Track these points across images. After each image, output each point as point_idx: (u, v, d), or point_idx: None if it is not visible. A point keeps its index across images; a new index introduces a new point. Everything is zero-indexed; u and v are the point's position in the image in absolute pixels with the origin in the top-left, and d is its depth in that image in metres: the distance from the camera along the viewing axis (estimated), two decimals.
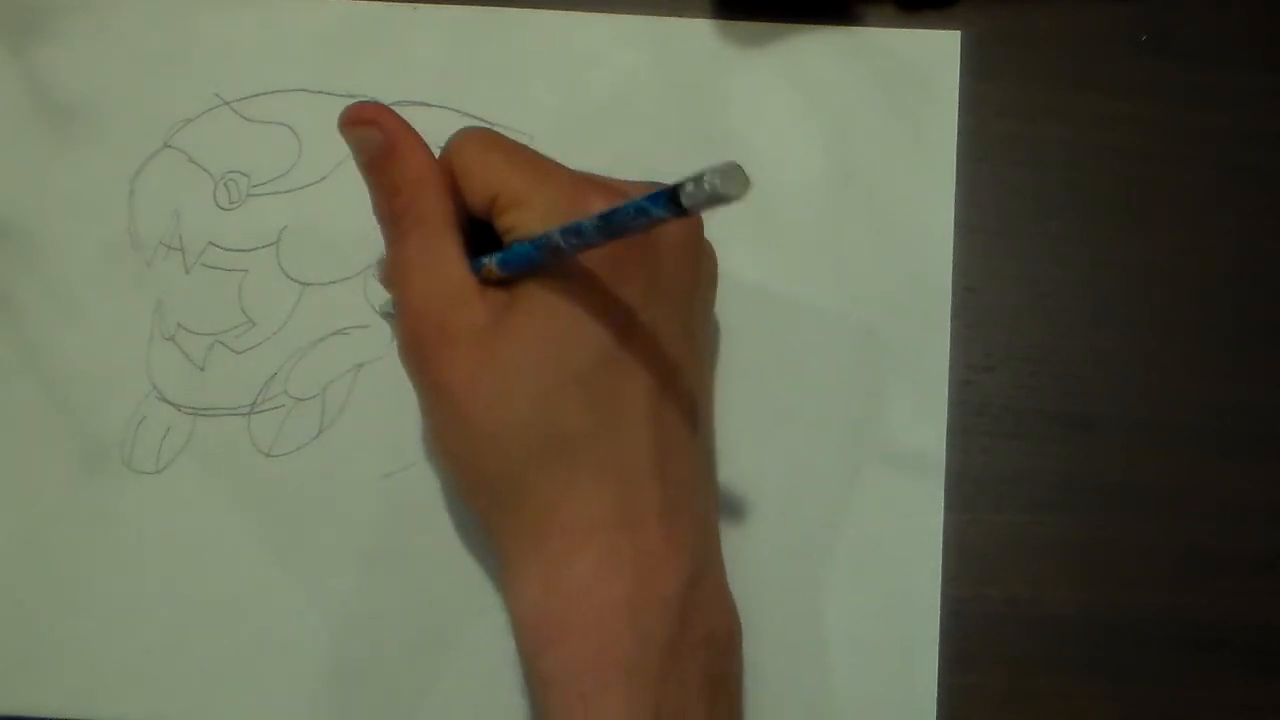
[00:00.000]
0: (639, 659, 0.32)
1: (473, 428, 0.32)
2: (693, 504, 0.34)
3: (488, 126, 0.41)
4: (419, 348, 0.33)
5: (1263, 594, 0.39)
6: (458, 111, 0.41)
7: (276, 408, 0.40)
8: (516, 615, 0.33)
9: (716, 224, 0.41)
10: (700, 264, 0.35)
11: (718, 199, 0.27)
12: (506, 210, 0.33)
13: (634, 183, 0.34)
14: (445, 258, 0.33)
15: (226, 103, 0.41)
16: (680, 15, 0.42)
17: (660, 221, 0.29)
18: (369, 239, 0.41)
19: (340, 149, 0.41)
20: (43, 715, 0.38)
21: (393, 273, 0.34)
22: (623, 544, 0.32)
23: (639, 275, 0.32)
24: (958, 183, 0.41)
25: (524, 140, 0.41)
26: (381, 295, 0.40)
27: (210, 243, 0.41)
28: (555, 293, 0.32)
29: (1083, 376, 0.40)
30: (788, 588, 0.39)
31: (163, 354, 0.40)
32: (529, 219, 0.32)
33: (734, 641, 0.35)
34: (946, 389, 0.40)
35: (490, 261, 0.32)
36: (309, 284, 0.41)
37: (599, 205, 0.31)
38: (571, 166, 0.36)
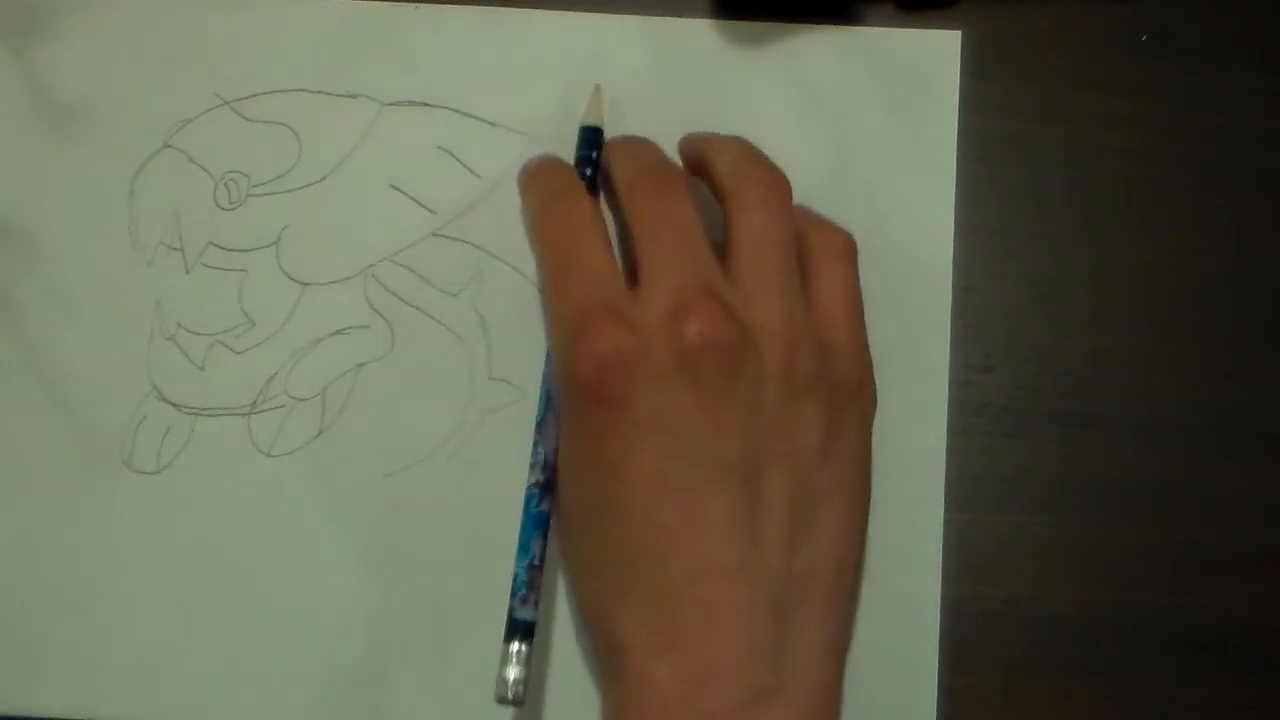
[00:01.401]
0: None
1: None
2: (750, 631, 0.33)
3: (488, 126, 0.41)
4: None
5: (1263, 594, 0.39)
6: (458, 111, 0.41)
7: (276, 408, 0.40)
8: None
9: (716, 224, 0.41)
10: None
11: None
12: None
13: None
14: None
15: (226, 102, 0.41)
16: (680, 15, 0.42)
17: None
18: (369, 239, 0.41)
19: (340, 148, 0.41)
20: (43, 715, 0.38)
21: None
22: (657, 667, 0.32)
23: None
24: (958, 183, 0.41)
25: (523, 140, 0.41)
26: (381, 295, 0.40)
27: (210, 243, 0.41)
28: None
29: (1083, 376, 0.40)
30: None
31: (163, 354, 0.40)
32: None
33: None
34: (946, 389, 0.40)
35: None
36: (309, 284, 0.41)
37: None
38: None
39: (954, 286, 0.41)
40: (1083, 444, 0.40)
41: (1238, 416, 0.40)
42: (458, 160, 0.41)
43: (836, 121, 0.42)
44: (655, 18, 0.42)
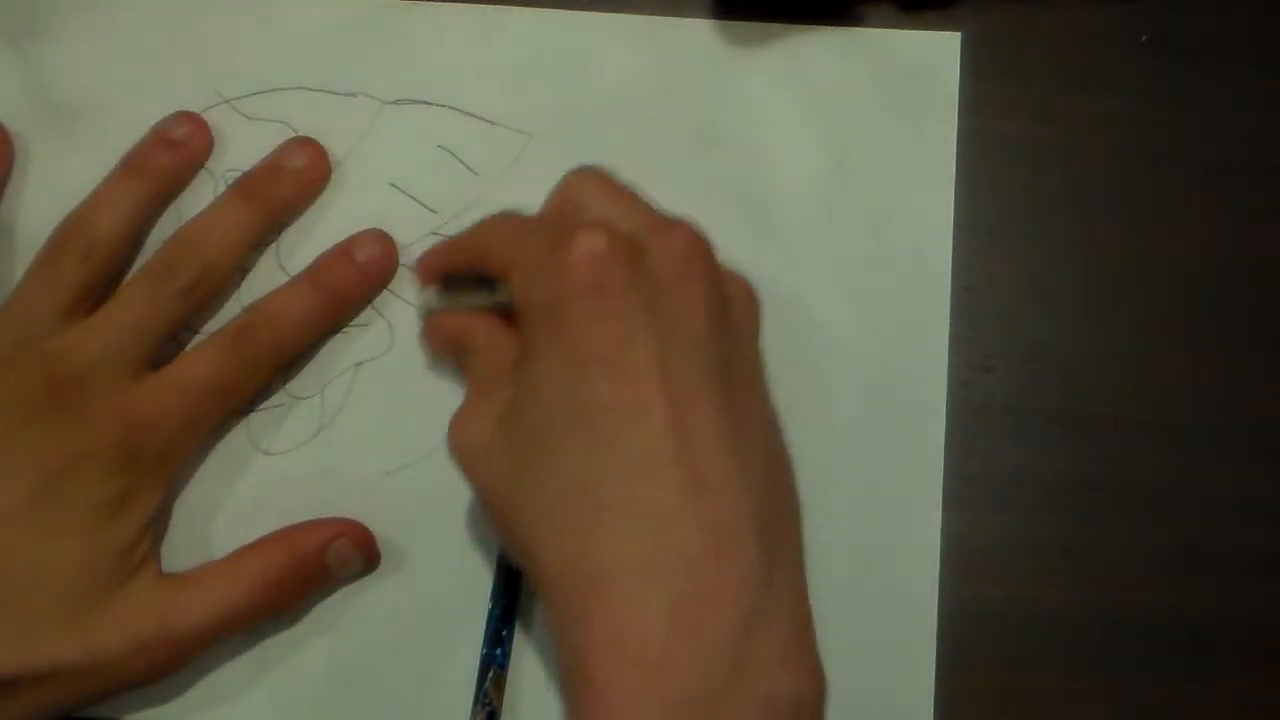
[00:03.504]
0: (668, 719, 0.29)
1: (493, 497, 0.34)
2: (746, 549, 0.31)
3: (488, 125, 0.41)
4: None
5: (1262, 594, 0.39)
6: (458, 110, 0.41)
7: (276, 406, 0.40)
8: (558, 667, 0.32)
9: (716, 224, 0.41)
10: (704, 299, 0.34)
11: None
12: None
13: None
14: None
15: (226, 101, 0.41)
16: (680, 15, 0.42)
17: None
18: None
19: (340, 148, 0.41)
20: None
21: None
22: (650, 593, 0.30)
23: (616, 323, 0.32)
24: (958, 183, 0.41)
25: (523, 140, 0.41)
26: (381, 294, 0.40)
27: None
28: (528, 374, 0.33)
29: (1083, 376, 0.40)
30: None
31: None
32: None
33: (806, 704, 0.31)
34: (946, 389, 0.40)
35: None
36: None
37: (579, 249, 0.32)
38: (571, 167, 0.36)
39: (954, 286, 0.41)
40: (1083, 444, 0.40)
41: (1238, 416, 0.40)
42: (458, 159, 0.41)
43: (836, 121, 0.42)
44: (655, 18, 0.42)
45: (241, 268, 0.40)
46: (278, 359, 0.39)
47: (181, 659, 0.36)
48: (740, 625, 0.30)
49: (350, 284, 0.40)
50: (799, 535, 0.34)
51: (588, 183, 0.36)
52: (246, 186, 0.40)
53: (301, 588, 0.38)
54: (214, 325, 0.40)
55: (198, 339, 0.40)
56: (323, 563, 0.38)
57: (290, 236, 0.41)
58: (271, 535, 0.38)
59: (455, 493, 0.39)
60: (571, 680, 0.31)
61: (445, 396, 0.40)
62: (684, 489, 0.31)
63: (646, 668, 0.30)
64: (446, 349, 0.39)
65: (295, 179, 0.40)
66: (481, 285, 0.37)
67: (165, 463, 0.37)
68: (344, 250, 0.40)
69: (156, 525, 0.38)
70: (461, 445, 0.35)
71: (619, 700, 0.30)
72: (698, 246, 0.34)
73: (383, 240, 0.40)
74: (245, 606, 0.37)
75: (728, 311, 0.34)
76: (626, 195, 0.36)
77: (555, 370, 0.32)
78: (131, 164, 0.40)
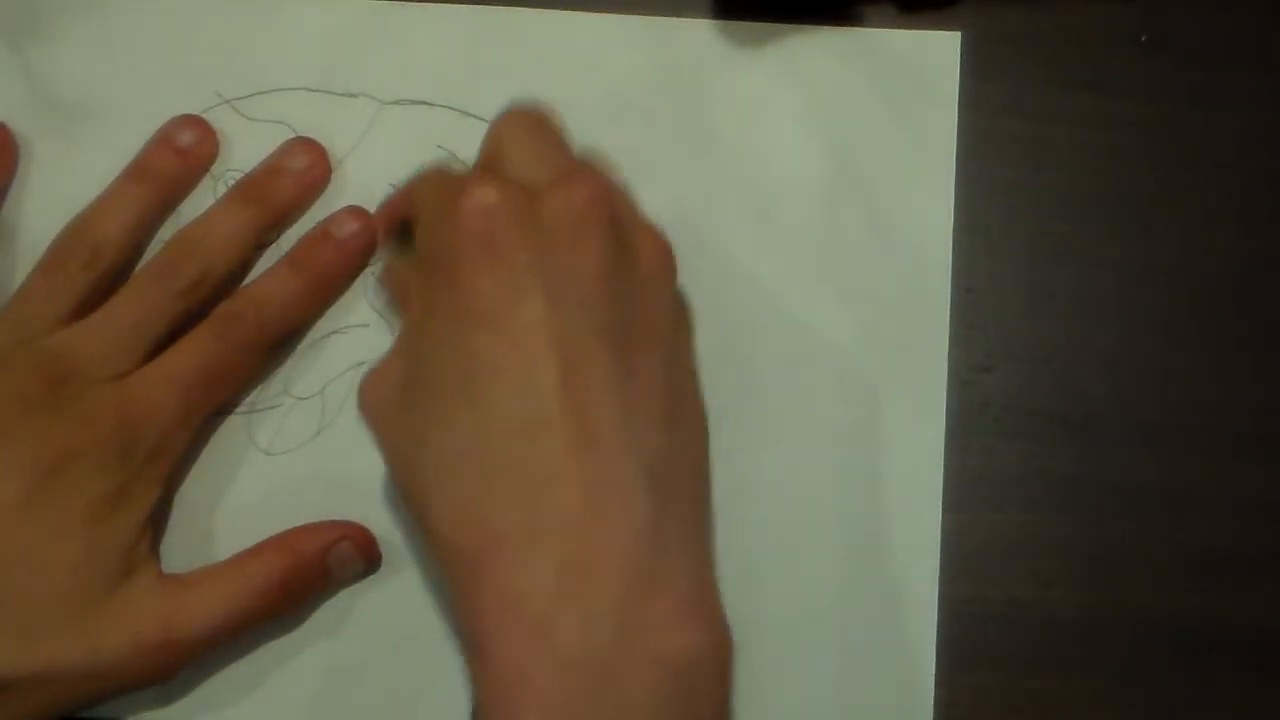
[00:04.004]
0: (558, 682, 0.29)
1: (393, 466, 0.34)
2: (633, 508, 0.31)
3: (487, 125, 0.41)
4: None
5: (1263, 594, 0.39)
6: (458, 111, 0.41)
7: (276, 406, 0.40)
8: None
9: (716, 224, 0.41)
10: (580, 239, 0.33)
11: None
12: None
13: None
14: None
15: (227, 101, 0.41)
16: (680, 15, 0.42)
17: None
18: None
19: (340, 149, 0.41)
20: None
21: None
22: (536, 556, 0.30)
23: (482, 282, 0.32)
24: (958, 183, 0.41)
25: None
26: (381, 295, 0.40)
27: None
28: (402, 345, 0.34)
29: (1083, 376, 0.40)
30: (785, 588, 0.39)
31: None
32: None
33: (706, 662, 0.31)
34: (946, 389, 0.40)
35: None
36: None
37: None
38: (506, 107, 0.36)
39: (954, 286, 0.41)
40: (1083, 444, 0.40)
41: (1238, 416, 0.40)
42: (458, 160, 0.41)
43: (836, 121, 0.42)
44: (655, 18, 0.42)
45: (243, 269, 0.40)
46: (264, 342, 0.39)
47: (181, 663, 0.36)
48: (629, 585, 0.30)
49: (330, 262, 0.40)
50: (703, 490, 0.34)
51: (512, 127, 0.35)
52: (247, 188, 0.40)
53: (303, 591, 0.38)
54: None
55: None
56: (325, 566, 0.38)
57: (290, 238, 0.41)
58: (273, 539, 0.38)
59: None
60: (467, 645, 0.31)
61: None
62: (568, 448, 0.30)
63: (535, 631, 0.30)
64: (390, 300, 0.39)
65: (296, 180, 0.40)
66: None
67: (161, 457, 0.37)
68: (323, 230, 0.40)
69: (155, 524, 0.38)
70: (367, 405, 0.35)
71: (509, 663, 0.30)
72: (597, 198, 0.33)
73: (360, 216, 0.40)
74: (247, 610, 0.37)
75: (628, 266, 0.33)
76: (545, 141, 0.35)
77: (443, 328, 0.32)
78: (137, 170, 0.40)
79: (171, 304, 0.38)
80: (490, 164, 0.35)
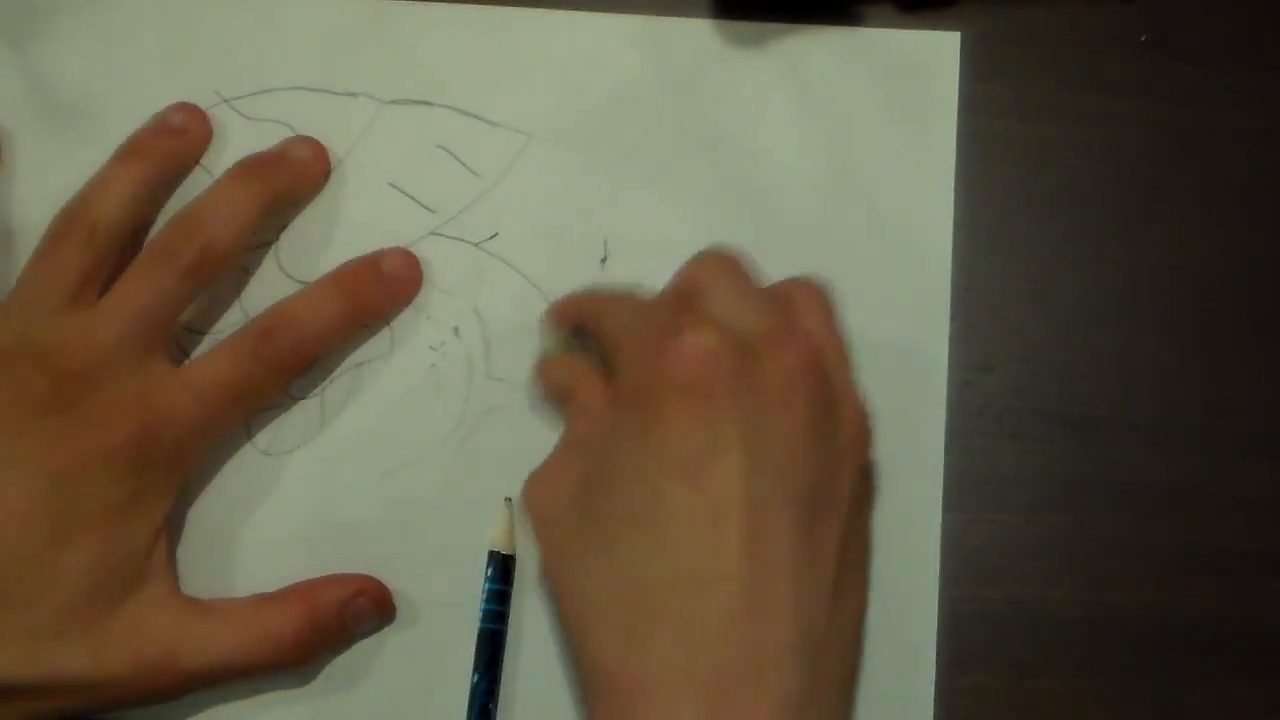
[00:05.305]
0: None
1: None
2: (788, 679, 0.31)
3: (488, 125, 0.41)
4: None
5: (1263, 594, 0.39)
6: (458, 111, 0.41)
7: (276, 406, 0.40)
8: None
9: (717, 224, 0.41)
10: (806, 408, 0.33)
11: None
12: None
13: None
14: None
15: (226, 101, 0.41)
16: (680, 15, 0.42)
17: None
18: (369, 238, 0.41)
19: (340, 148, 0.41)
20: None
21: None
22: (683, 708, 0.30)
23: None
24: (957, 183, 0.41)
25: (523, 140, 0.41)
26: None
27: None
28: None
29: (1083, 376, 0.40)
30: None
31: None
32: None
33: None
34: (945, 389, 0.40)
35: None
36: (309, 283, 0.40)
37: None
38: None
39: (954, 286, 0.41)
40: (1083, 444, 0.40)
41: (1238, 416, 0.40)
42: (458, 160, 0.41)
43: (836, 121, 0.42)
44: (655, 18, 0.42)
45: (243, 252, 0.39)
46: (298, 364, 0.38)
47: (181, 691, 0.36)
48: None
49: (373, 294, 0.39)
50: (854, 659, 0.35)
51: (714, 270, 0.35)
52: (248, 167, 0.39)
53: (317, 647, 0.37)
54: (214, 324, 0.40)
55: (205, 342, 0.40)
56: (341, 619, 0.37)
57: (289, 237, 0.41)
58: (292, 589, 0.38)
59: (453, 493, 0.39)
60: None
61: (443, 396, 0.40)
62: (738, 608, 0.31)
63: None
64: (551, 394, 0.39)
65: (297, 166, 0.40)
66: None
67: (178, 466, 0.36)
68: (370, 261, 0.40)
69: (169, 536, 0.37)
70: (534, 501, 0.35)
71: None
72: (814, 363, 0.33)
73: (408, 259, 0.40)
74: (256, 655, 0.36)
75: (831, 435, 0.33)
76: (751, 290, 0.35)
77: (637, 461, 0.32)
78: (130, 148, 0.39)
79: (176, 286, 0.37)
80: (686, 303, 0.34)
